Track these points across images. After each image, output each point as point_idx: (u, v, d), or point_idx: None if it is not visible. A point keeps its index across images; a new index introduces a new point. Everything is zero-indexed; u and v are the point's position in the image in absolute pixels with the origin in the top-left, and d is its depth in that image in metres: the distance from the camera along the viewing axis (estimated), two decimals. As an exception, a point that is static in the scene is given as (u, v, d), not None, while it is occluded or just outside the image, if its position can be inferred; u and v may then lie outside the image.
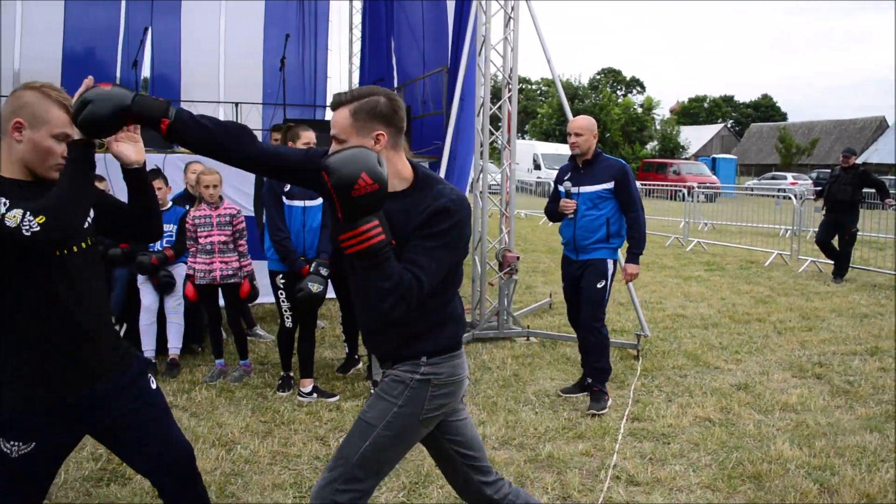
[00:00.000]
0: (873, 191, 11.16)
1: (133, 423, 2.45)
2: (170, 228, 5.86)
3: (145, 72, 12.88)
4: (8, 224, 2.05)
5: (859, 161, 11.08)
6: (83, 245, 2.33)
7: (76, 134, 2.21)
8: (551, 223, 5.31)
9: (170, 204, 5.96)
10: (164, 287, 5.68)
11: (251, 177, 6.70)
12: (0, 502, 2.36)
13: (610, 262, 5.12)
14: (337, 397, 5.17)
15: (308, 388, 5.11)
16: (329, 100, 15.98)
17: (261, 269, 6.93)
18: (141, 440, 2.48)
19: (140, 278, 5.74)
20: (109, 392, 2.40)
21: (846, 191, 10.32)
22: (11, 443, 2.28)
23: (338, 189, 2.05)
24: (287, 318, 5.16)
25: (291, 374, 5.35)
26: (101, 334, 2.41)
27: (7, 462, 2.30)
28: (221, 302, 5.66)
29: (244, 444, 4.31)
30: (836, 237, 10.57)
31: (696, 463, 4.17)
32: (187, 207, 5.80)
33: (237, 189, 7.18)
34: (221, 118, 8.41)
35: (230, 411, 4.85)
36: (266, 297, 7.26)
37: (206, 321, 5.85)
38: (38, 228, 2.05)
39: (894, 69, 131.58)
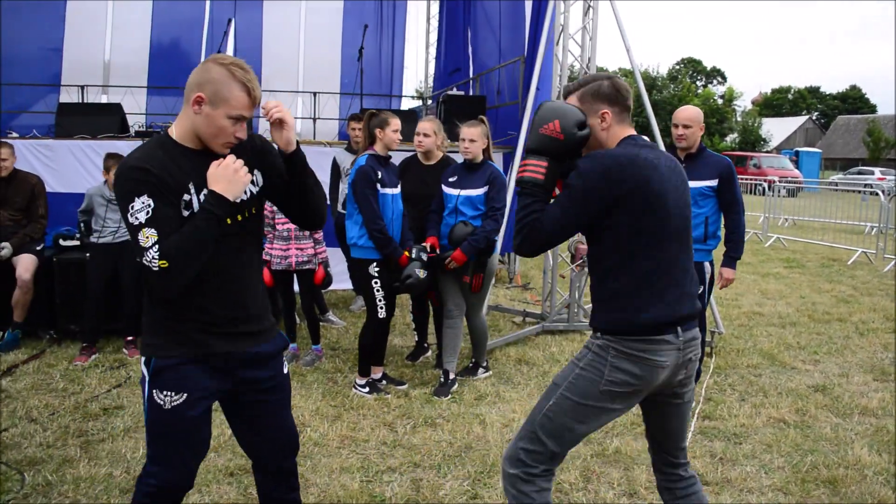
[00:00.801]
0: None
1: (260, 399, 2.52)
2: (248, 215, 6.03)
3: (228, 63, 13.26)
4: (140, 240, 2.18)
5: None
6: (238, 217, 2.40)
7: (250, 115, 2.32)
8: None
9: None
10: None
11: (327, 165, 6.83)
12: (163, 454, 2.42)
13: (707, 266, 4.93)
14: (405, 385, 5.24)
15: (378, 375, 5.19)
16: (405, 90, 16.14)
17: (332, 257, 7.11)
18: (261, 418, 2.55)
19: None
20: (252, 357, 2.46)
21: None
22: (165, 393, 2.35)
23: (534, 120, 2.51)
24: (381, 307, 4.95)
25: (387, 371, 5.35)
26: (250, 299, 2.47)
27: (161, 413, 2.36)
28: (296, 287, 5.79)
29: (314, 426, 4.42)
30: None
31: (769, 465, 4.07)
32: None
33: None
34: (300, 108, 8.61)
35: (301, 394, 4.98)
36: (339, 283, 7.44)
37: (280, 306, 6.00)
38: (156, 270, 2.17)
39: None
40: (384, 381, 5.20)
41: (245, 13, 12.71)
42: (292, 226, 5.50)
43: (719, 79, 78.09)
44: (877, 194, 14.51)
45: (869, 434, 4.56)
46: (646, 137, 2.66)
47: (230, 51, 13.08)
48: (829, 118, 73.21)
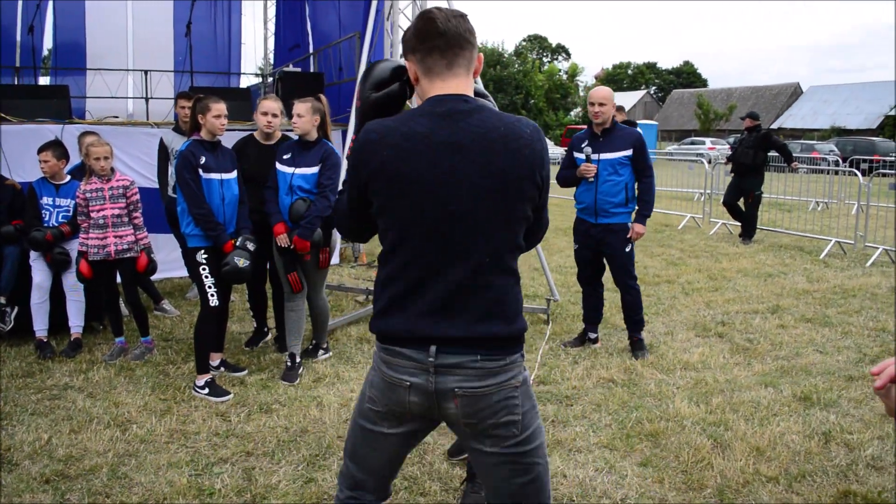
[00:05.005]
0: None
1: None
2: (66, 203, 5.61)
3: (48, 37, 12.29)
4: None
5: (776, 126, 11.38)
6: None
7: None
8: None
9: (67, 178, 5.70)
10: (58, 264, 5.45)
11: (153, 146, 6.47)
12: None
13: (630, 226, 5.45)
14: (245, 371, 5.07)
15: (216, 363, 4.99)
16: (245, 67, 15.59)
17: (165, 244, 6.77)
18: None
19: (32, 255, 5.48)
20: None
21: (748, 154, 10.59)
22: None
23: None
24: (212, 296, 4.73)
25: (226, 358, 5.21)
26: None
27: None
28: (119, 278, 5.45)
29: (140, 423, 4.19)
30: (742, 200, 10.88)
31: (597, 423, 4.25)
32: (84, 181, 5.57)
33: (138, 159, 6.94)
34: (130, 87, 8.02)
35: (128, 390, 4.70)
36: (174, 271, 7.11)
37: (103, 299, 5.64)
38: None
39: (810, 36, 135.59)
40: (222, 368, 5.02)
41: (62, -15, 11.81)
42: (109, 212, 5.15)
43: (564, 55, 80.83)
44: (702, 163, 15.45)
45: (689, 387, 4.86)
46: (470, 96, 2.02)
47: (48, 27, 12.13)
48: (665, 92, 77.53)
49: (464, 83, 2.01)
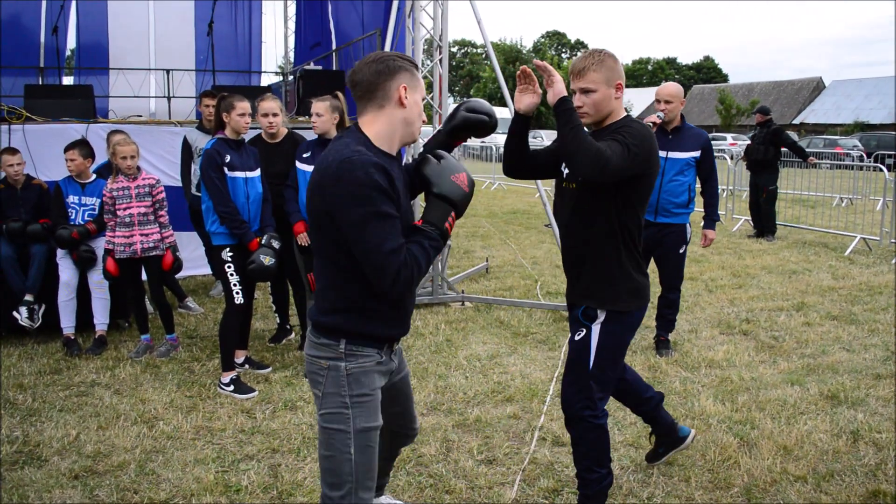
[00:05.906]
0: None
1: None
2: (92, 202, 5.66)
3: (71, 38, 12.41)
4: None
5: (798, 121, 11.30)
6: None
7: None
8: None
9: (93, 176, 5.75)
10: (84, 262, 5.50)
11: (177, 144, 6.51)
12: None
13: (688, 228, 5.37)
14: (269, 368, 5.10)
15: (241, 360, 5.02)
16: (266, 66, 15.63)
17: (189, 242, 6.83)
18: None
19: (59, 253, 5.55)
20: None
21: (759, 150, 10.52)
22: None
23: None
24: (237, 293, 4.76)
25: (251, 355, 5.24)
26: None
27: None
28: (145, 276, 5.50)
29: (167, 419, 4.22)
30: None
31: (622, 422, 4.22)
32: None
33: (162, 157, 6.98)
34: (153, 86, 8.06)
35: (154, 387, 4.75)
36: (198, 269, 7.16)
37: (129, 296, 5.69)
38: None
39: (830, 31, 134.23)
40: (247, 365, 5.05)
41: (86, -15, 11.90)
42: (135, 211, 5.19)
43: (583, 51, 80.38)
44: (724, 159, 15.31)
45: (714, 385, 4.82)
46: (352, 129, 2.32)
47: (72, 27, 12.24)
48: (685, 88, 76.83)
49: (370, 119, 2.30)
